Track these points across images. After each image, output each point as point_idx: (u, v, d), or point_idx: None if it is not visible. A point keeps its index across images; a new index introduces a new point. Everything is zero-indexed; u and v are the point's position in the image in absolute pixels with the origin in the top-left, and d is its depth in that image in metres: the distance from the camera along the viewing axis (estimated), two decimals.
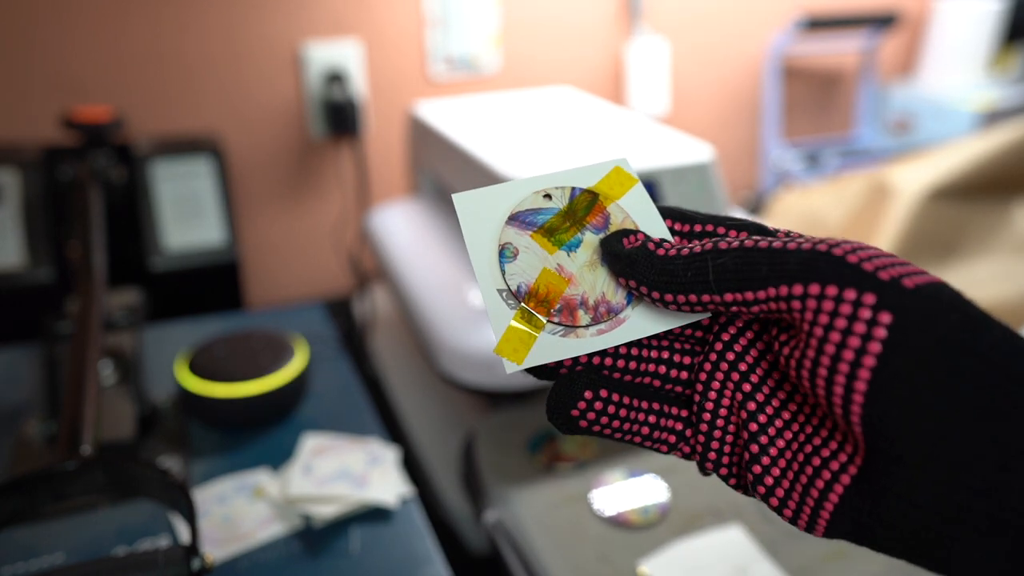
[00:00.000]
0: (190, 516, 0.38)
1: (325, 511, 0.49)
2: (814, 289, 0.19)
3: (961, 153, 1.12)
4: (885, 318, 0.18)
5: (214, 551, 0.46)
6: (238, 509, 0.50)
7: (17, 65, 0.95)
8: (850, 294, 0.19)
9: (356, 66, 1.10)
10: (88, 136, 0.83)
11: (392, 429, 0.80)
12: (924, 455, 0.18)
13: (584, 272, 0.25)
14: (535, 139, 0.78)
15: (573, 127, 0.83)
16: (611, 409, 0.23)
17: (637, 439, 0.23)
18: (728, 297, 0.21)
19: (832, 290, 0.19)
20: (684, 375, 0.24)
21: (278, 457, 0.56)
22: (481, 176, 0.71)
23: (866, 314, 0.19)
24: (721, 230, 0.24)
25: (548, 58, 1.25)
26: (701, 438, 0.23)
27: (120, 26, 0.98)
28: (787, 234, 0.22)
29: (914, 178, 1.12)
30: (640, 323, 0.24)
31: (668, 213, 0.26)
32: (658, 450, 0.24)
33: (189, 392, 0.58)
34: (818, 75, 1.54)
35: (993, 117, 1.43)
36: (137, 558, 0.36)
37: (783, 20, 1.40)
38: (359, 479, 0.52)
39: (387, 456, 0.55)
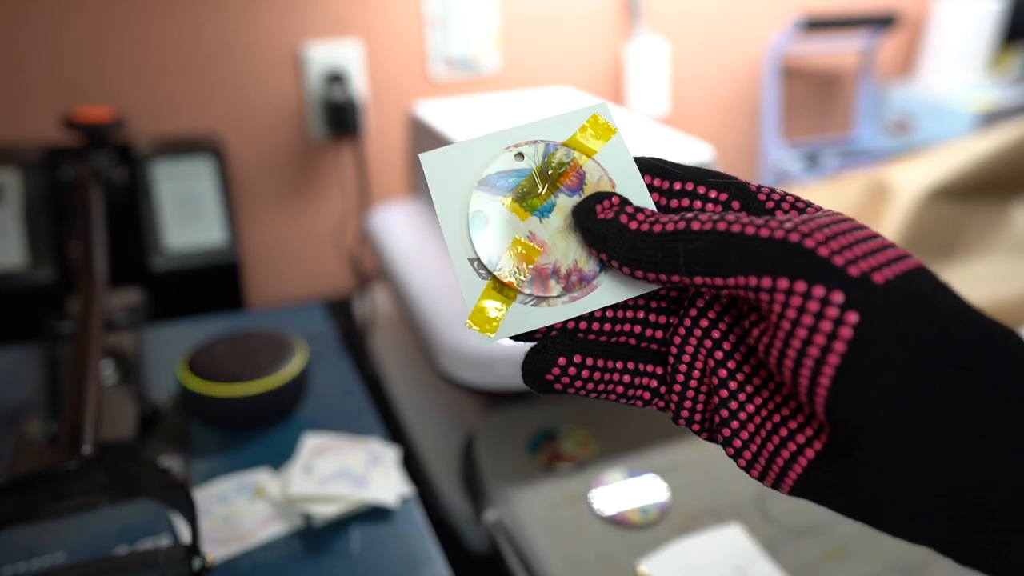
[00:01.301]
0: (191, 516, 0.38)
1: (325, 511, 0.49)
2: (782, 283, 0.19)
3: (960, 153, 1.12)
4: (851, 318, 0.19)
5: (215, 550, 0.46)
6: (238, 509, 0.50)
7: (18, 66, 0.95)
8: (818, 291, 0.19)
9: (356, 66, 1.11)
10: (89, 136, 0.83)
11: (392, 429, 0.80)
12: (885, 444, 0.19)
13: (556, 239, 0.24)
14: None
15: None
16: (585, 373, 0.23)
17: (612, 396, 0.24)
18: (698, 280, 0.21)
19: (800, 286, 0.19)
20: (659, 334, 0.24)
21: (278, 457, 0.56)
22: None
23: (833, 312, 0.19)
24: (701, 189, 0.24)
25: (548, 58, 1.25)
26: (675, 396, 0.24)
27: (121, 27, 0.98)
28: (768, 196, 0.22)
29: (913, 178, 1.12)
30: (612, 290, 0.24)
31: (647, 167, 0.25)
32: (633, 404, 0.24)
33: (190, 392, 0.58)
34: (817, 75, 1.54)
35: (992, 117, 1.43)
36: (138, 557, 0.36)
37: (783, 20, 1.40)
38: (359, 479, 0.52)
39: (387, 456, 0.55)
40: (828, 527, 0.53)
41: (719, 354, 0.23)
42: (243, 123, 1.08)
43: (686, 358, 0.23)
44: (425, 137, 0.89)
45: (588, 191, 0.24)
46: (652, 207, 0.24)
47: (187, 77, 1.03)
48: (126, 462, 0.41)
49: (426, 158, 0.25)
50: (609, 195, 0.24)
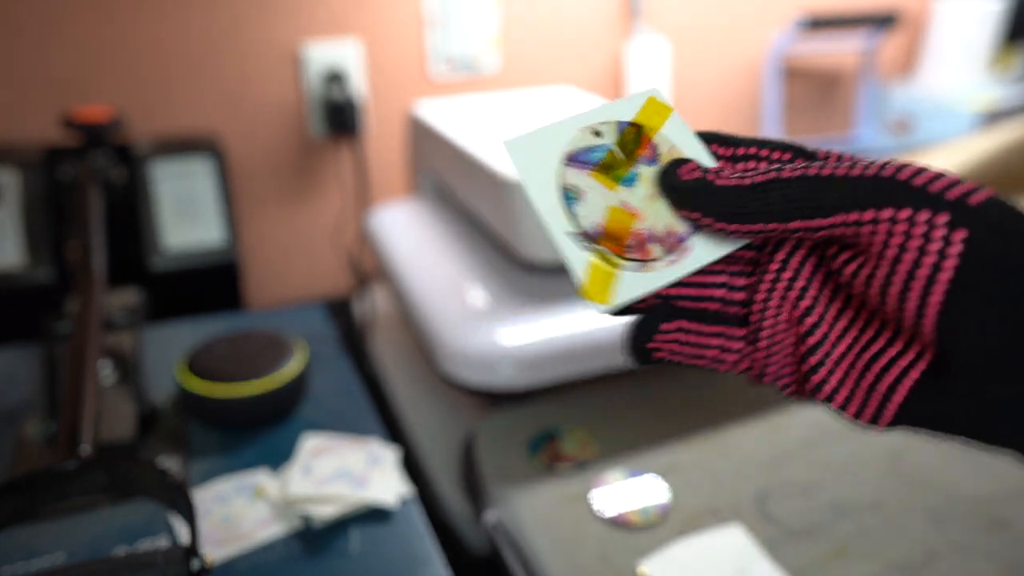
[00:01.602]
0: (190, 516, 0.38)
1: (325, 511, 0.49)
2: (886, 213, 0.20)
3: (961, 153, 1.12)
4: (959, 235, 0.20)
5: (214, 551, 0.46)
6: (238, 509, 0.50)
7: (16, 66, 0.95)
8: (923, 215, 0.20)
9: (356, 66, 1.10)
10: (88, 136, 0.83)
11: (392, 429, 0.80)
12: (993, 361, 0.20)
13: (646, 205, 0.25)
14: None
15: None
16: (682, 337, 0.24)
17: (702, 362, 0.25)
18: (795, 224, 0.22)
19: (904, 213, 0.20)
20: (740, 296, 0.25)
21: (278, 457, 0.56)
22: (482, 176, 0.71)
23: (940, 233, 0.20)
24: (764, 152, 0.25)
25: (548, 58, 1.25)
26: (760, 355, 0.24)
27: (120, 27, 0.98)
28: (829, 156, 0.23)
29: None
30: (706, 248, 0.24)
31: (709, 138, 0.26)
32: (718, 368, 0.25)
33: (189, 392, 0.58)
34: (818, 75, 1.54)
35: (994, 117, 1.43)
36: (137, 558, 0.36)
37: (783, 20, 1.40)
38: (359, 479, 0.52)
39: (387, 456, 0.55)
40: (829, 527, 0.53)
41: (804, 303, 0.23)
42: (242, 123, 1.08)
43: (770, 313, 0.24)
44: (425, 137, 0.89)
45: (663, 160, 0.26)
46: None
47: (186, 77, 1.03)
48: (125, 462, 0.41)
49: (510, 144, 0.26)
50: (687, 161, 0.25)
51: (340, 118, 1.07)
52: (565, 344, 0.61)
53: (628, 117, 0.27)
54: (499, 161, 0.70)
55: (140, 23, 0.99)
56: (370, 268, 1.11)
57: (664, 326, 0.24)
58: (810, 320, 0.23)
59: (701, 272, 0.25)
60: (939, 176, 0.21)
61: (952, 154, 1.13)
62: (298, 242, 1.18)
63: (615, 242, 0.25)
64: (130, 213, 0.90)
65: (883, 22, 1.42)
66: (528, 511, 0.53)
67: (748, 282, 0.25)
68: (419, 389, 0.85)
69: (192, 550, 0.36)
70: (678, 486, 0.56)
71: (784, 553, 0.50)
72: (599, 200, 0.25)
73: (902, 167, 0.21)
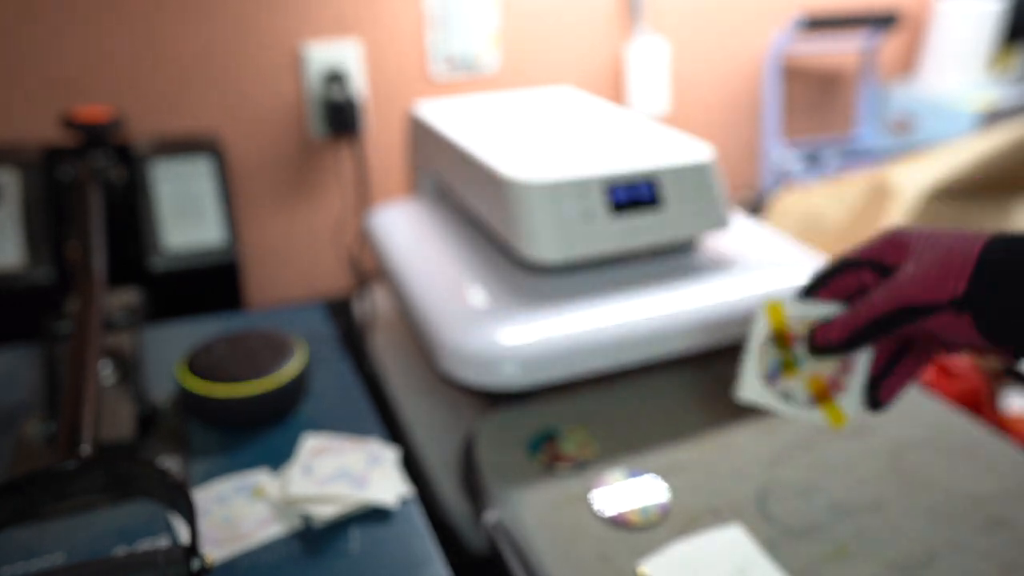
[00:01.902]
0: (190, 516, 0.38)
1: (325, 511, 0.49)
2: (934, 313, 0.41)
3: (961, 153, 1.12)
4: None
5: (214, 551, 0.46)
6: (238, 509, 0.50)
7: (16, 66, 0.95)
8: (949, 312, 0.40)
9: (356, 66, 1.10)
10: (88, 136, 0.83)
11: (392, 429, 0.80)
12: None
13: (817, 364, 0.46)
14: (536, 139, 0.78)
15: (574, 127, 0.83)
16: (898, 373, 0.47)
17: (923, 368, 0.47)
18: (894, 330, 0.43)
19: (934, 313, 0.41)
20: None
21: (278, 457, 0.56)
22: (482, 176, 0.71)
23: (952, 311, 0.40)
24: (850, 278, 0.46)
25: (548, 58, 1.25)
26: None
27: (120, 27, 0.98)
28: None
29: (914, 178, 1.12)
30: (859, 358, 0.46)
31: (811, 288, 0.48)
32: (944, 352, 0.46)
33: (189, 392, 0.58)
34: (818, 75, 1.54)
35: (993, 117, 1.43)
36: (137, 558, 0.36)
37: (783, 19, 1.40)
38: (359, 479, 0.52)
39: (387, 456, 0.55)
40: (829, 527, 0.53)
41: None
42: (242, 123, 1.08)
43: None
44: (425, 136, 0.89)
45: (803, 335, 0.47)
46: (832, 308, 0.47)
47: (186, 77, 1.03)
48: (125, 462, 0.41)
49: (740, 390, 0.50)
50: (814, 329, 0.46)
51: (340, 118, 1.07)
52: (565, 344, 0.61)
53: (769, 330, 0.47)
54: (499, 161, 0.70)
55: (141, 24, 0.99)
56: (370, 268, 1.11)
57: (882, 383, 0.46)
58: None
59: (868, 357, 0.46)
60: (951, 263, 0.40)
61: (952, 154, 1.13)
62: (298, 242, 1.18)
63: (822, 394, 0.45)
64: (130, 213, 0.90)
65: (883, 22, 1.42)
66: (528, 511, 0.53)
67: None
68: (419, 389, 0.85)
69: (192, 550, 0.36)
70: (678, 486, 0.56)
71: (784, 553, 0.50)
72: (797, 386, 0.46)
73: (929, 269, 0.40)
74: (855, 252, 0.46)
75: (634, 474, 0.56)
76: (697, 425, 0.63)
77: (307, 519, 0.50)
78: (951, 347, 0.42)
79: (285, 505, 0.50)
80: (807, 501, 0.55)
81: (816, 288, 0.47)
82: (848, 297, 0.46)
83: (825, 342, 0.43)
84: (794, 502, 0.55)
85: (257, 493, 0.52)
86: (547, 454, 0.59)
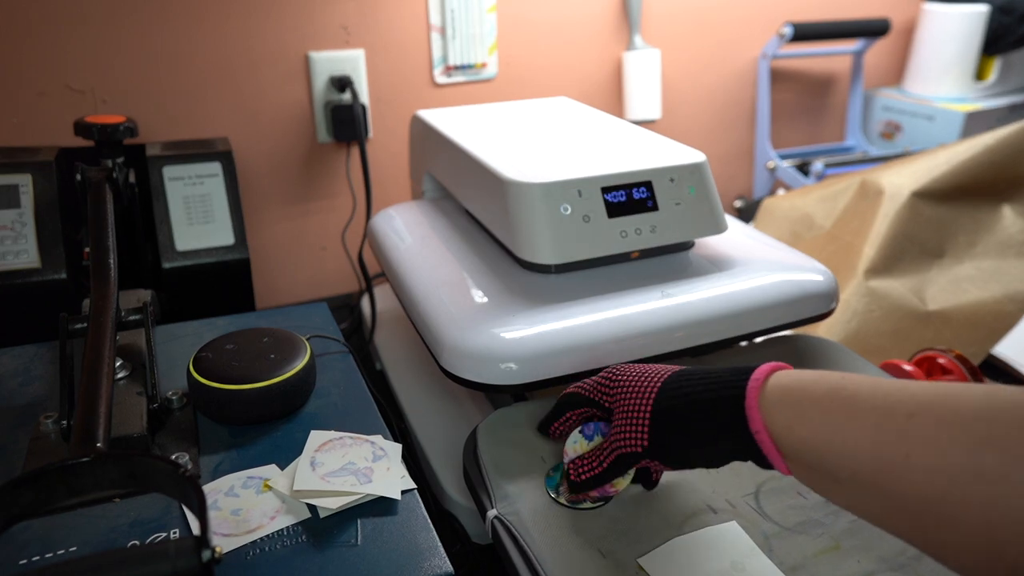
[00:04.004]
0: (200, 509, 0.39)
1: (331, 504, 0.51)
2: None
3: (948, 156, 1.13)
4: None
5: (223, 543, 0.48)
6: (247, 503, 0.52)
7: (33, 74, 0.97)
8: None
9: (361, 74, 1.12)
10: (102, 140, 0.84)
11: (396, 426, 0.81)
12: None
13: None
14: (535, 144, 0.80)
15: (571, 134, 0.85)
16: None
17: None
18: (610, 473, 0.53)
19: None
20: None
21: (285, 452, 0.57)
22: (483, 177, 0.73)
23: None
24: (574, 418, 0.58)
25: (547, 66, 1.26)
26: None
27: (134, 36, 1.00)
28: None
29: (902, 180, 1.12)
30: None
31: (547, 422, 0.60)
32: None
33: (199, 389, 0.59)
34: (810, 82, 1.55)
35: (977, 124, 1.45)
36: (149, 549, 0.37)
37: (775, 28, 1.41)
38: (364, 474, 0.53)
39: (391, 452, 0.56)
40: (823, 524, 0.54)
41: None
42: (252, 128, 1.10)
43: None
44: (427, 140, 0.90)
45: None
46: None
47: (197, 85, 1.05)
48: (138, 457, 0.42)
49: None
50: (568, 471, 0.55)
51: (347, 123, 1.08)
52: (566, 341, 0.62)
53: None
54: (499, 162, 0.71)
55: (154, 34, 1.00)
56: (375, 269, 1.13)
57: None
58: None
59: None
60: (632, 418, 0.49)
61: (940, 157, 1.14)
62: (305, 243, 1.19)
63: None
64: (143, 216, 0.92)
65: (871, 32, 1.42)
66: (529, 505, 0.55)
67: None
68: (423, 386, 0.86)
69: (202, 541, 0.37)
70: (677, 484, 0.57)
71: (779, 549, 0.51)
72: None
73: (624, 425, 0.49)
74: (580, 388, 0.55)
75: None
76: None
77: (314, 513, 0.51)
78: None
79: (293, 498, 0.52)
80: (802, 498, 0.56)
81: (553, 420, 0.57)
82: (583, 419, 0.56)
83: (578, 480, 0.52)
84: (789, 499, 0.56)
85: (265, 487, 0.53)
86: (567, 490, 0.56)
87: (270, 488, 0.53)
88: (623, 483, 0.53)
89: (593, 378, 0.54)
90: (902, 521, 0.35)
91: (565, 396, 0.56)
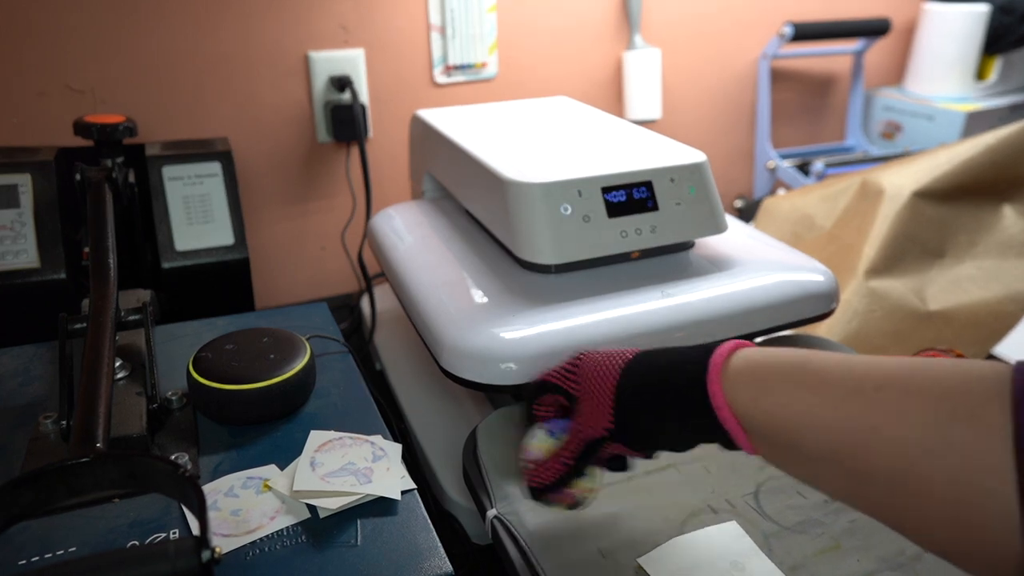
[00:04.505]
0: (200, 510, 0.39)
1: (331, 504, 0.51)
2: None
3: (949, 156, 1.13)
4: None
5: (223, 543, 0.48)
6: (246, 503, 0.52)
7: (32, 74, 0.97)
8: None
9: (361, 73, 1.12)
10: (101, 140, 0.84)
11: (397, 425, 0.81)
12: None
13: None
14: (535, 144, 0.80)
15: (571, 134, 0.85)
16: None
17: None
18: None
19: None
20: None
21: (285, 453, 0.57)
22: (483, 177, 0.72)
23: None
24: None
25: (547, 66, 1.26)
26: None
27: (134, 37, 1.00)
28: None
29: (903, 180, 1.12)
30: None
31: (528, 406, 0.53)
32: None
33: (198, 389, 0.59)
34: (810, 82, 1.55)
35: (978, 123, 1.45)
36: (148, 550, 0.37)
37: (777, 27, 1.41)
38: (364, 474, 0.53)
39: (391, 452, 0.56)
40: (823, 524, 0.54)
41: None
42: (251, 128, 1.10)
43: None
44: (427, 140, 0.90)
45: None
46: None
47: (197, 85, 1.05)
48: (137, 458, 0.42)
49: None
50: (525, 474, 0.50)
51: (346, 123, 1.08)
52: (566, 341, 0.62)
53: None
54: (499, 162, 0.71)
55: (154, 34, 1.00)
56: (375, 268, 1.13)
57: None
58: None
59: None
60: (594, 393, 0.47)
61: (941, 157, 1.14)
62: (305, 243, 1.19)
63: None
64: (142, 215, 0.92)
65: (871, 32, 1.42)
66: (529, 505, 0.55)
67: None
68: (423, 386, 0.86)
69: (202, 542, 0.37)
70: (676, 483, 0.57)
71: (779, 549, 0.51)
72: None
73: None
74: (547, 376, 0.50)
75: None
76: None
77: (313, 513, 0.51)
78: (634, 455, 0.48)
79: (292, 498, 0.52)
80: (801, 498, 0.56)
81: (531, 403, 0.51)
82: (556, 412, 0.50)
83: (539, 485, 0.48)
84: (789, 498, 0.56)
85: (265, 487, 0.53)
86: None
87: (270, 488, 0.53)
88: (587, 485, 0.48)
89: (560, 365, 0.50)
90: (870, 497, 0.35)
91: (532, 385, 0.51)
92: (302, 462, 0.54)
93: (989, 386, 0.31)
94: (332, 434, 0.58)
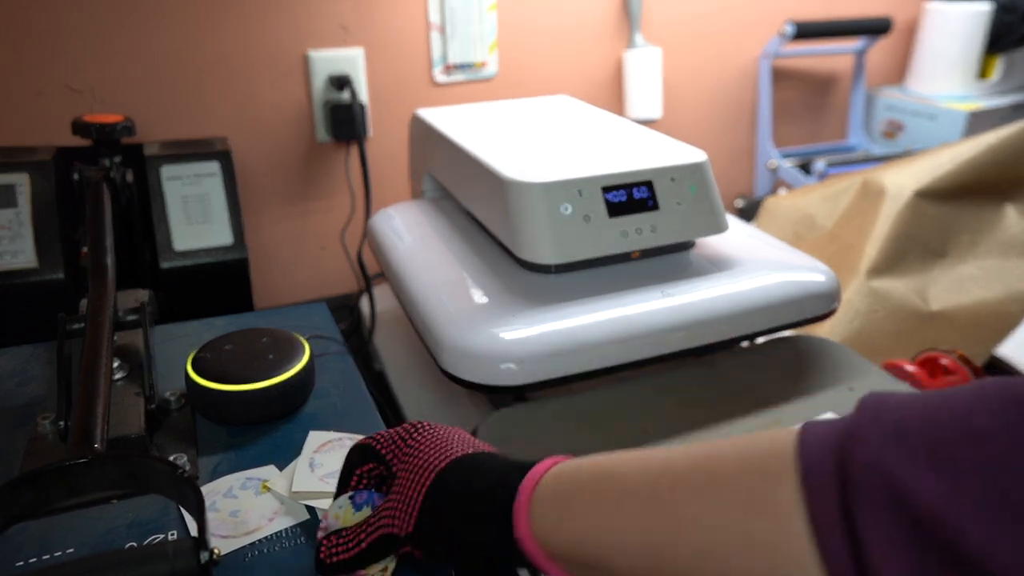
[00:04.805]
0: (199, 510, 0.39)
1: (328, 505, 0.50)
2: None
3: (950, 155, 1.13)
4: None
5: (221, 544, 0.48)
6: (245, 504, 0.51)
7: (31, 73, 0.97)
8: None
9: (360, 73, 1.12)
10: (99, 139, 0.84)
11: (395, 426, 0.81)
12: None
13: None
14: (535, 143, 0.79)
15: (572, 133, 0.84)
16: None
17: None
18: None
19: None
20: None
21: (284, 453, 0.57)
22: (483, 177, 0.72)
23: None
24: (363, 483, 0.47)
25: (547, 65, 1.26)
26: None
27: (133, 36, 1.00)
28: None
29: (904, 179, 1.12)
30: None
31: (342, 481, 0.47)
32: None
33: (197, 390, 0.59)
34: (811, 81, 1.54)
35: (983, 122, 1.44)
36: (147, 551, 0.37)
37: (778, 26, 1.41)
38: None
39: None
40: None
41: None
42: (250, 128, 1.10)
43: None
44: (427, 139, 0.90)
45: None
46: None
47: (196, 84, 1.04)
48: (136, 458, 0.42)
49: None
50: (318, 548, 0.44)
51: (346, 123, 1.08)
52: (566, 341, 0.62)
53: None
54: (499, 162, 0.71)
55: (153, 33, 1.00)
56: (374, 268, 1.13)
57: None
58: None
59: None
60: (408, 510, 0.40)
61: (942, 156, 1.14)
62: (305, 243, 1.19)
63: None
64: (141, 215, 0.92)
65: (873, 30, 1.42)
66: None
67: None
68: (422, 386, 0.86)
69: (201, 543, 0.37)
70: None
71: None
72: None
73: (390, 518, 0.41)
74: (373, 440, 0.45)
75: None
76: (696, 423, 0.64)
77: (312, 515, 0.51)
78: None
79: (291, 499, 0.51)
80: None
81: (350, 467, 0.46)
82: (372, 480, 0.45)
83: (328, 560, 0.42)
84: None
85: (263, 488, 0.53)
86: None
87: (268, 489, 0.53)
88: (378, 566, 0.43)
89: (394, 430, 0.45)
90: None
91: (355, 448, 0.46)
92: (301, 463, 0.54)
93: (779, 464, 0.28)
94: (331, 434, 0.58)
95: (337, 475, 0.52)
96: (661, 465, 0.33)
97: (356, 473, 0.45)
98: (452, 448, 0.42)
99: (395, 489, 0.41)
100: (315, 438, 0.57)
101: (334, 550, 0.42)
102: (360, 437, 0.57)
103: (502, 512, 0.36)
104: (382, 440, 0.44)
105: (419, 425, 0.44)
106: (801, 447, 0.28)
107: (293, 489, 0.52)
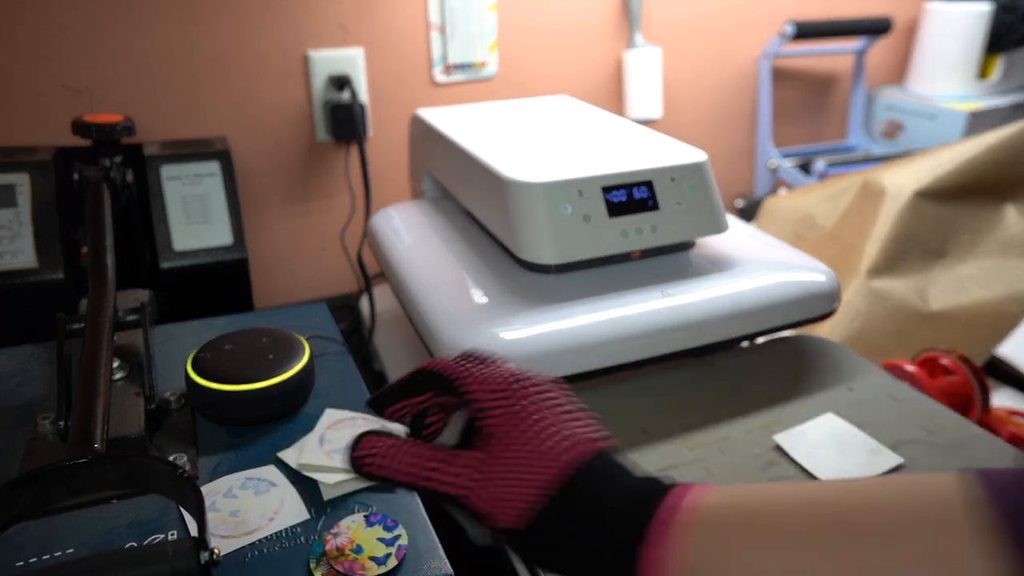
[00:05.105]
0: (199, 510, 0.39)
1: (331, 481, 0.52)
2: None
3: (951, 155, 1.13)
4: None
5: (221, 544, 0.48)
6: (245, 504, 0.51)
7: (30, 73, 0.97)
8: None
9: (360, 72, 1.12)
10: (99, 139, 0.84)
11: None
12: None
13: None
14: (535, 143, 0.79)
15: (572, 132, 0.84)
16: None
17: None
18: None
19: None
20: None
21: None
22: (483, 177, 0.72)
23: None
24: (409, 406, 0.43)
25: (547, 65, 1.26)
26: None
27: (132, 35, 1.00)
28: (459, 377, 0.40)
29: (905, 179, 1.12)
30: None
31: (379, 400, 0.44)
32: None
33: (197, 390, 0.59)
34: (812, 81, 1.54)
35: (983, 122, 1.44)
36: (146, 551, 0.37)
37: (778, 25, 1.41)
38: None
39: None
40: None
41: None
42: (250, 128, 1.10)
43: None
44: (427, 139, 0.90)
45: None
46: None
47: (195, 84, 1.04)
48: (136, 458, 0.42)
49: None
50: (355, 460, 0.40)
51: (346, 123, 1.08)
52: (566, 341, 0.62)
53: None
54: (499, 162, 0.71)
55: (152, 33, 1.00)
56: (374, 268, 1.13)
57: None
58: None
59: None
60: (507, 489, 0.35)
61: (942, 156, 1.14)
62: (305, 243, 1.19)
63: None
64: (141, 215, 0.92)
65: (873, 30, 1.42)
66: None
67: None
68: None
69: (200, 543, 0.37)
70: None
71: None
72: None
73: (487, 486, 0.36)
74: (436, 366, 0.39)
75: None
76: (696, 423, 0.64)
77: (312, 516, 0.51)
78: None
79: (298, 470, 0.53)
80: None
81: (390, 400, 0.41)
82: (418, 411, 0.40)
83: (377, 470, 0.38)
84: None
85: (272, 461, 0.55)
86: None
87: (279, 458, 0.55)
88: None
89: (489, 369, 0.39)
90: None
91: (427, 373, 0.40)
92: (311, 437, 0.55)
93: (950, 514, 0.26)
94: (346, 413, 0.59)
95: (343, 452, 0.52)
96: (830, 513, 0.30)
97: (406, 402, 0.40)
98: (570, 427, 0.35)
99: (491, 459, 0.35)
100: (330, 415, 0.58)
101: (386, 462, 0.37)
102: (370, 420, 0.57)
103: (628, 546, 0.32)
104: (479, 379, 0.37)
105: (520, 375, 0.38)
106: (991, 494, 0.26)
107: (299, 461, 0.53)
